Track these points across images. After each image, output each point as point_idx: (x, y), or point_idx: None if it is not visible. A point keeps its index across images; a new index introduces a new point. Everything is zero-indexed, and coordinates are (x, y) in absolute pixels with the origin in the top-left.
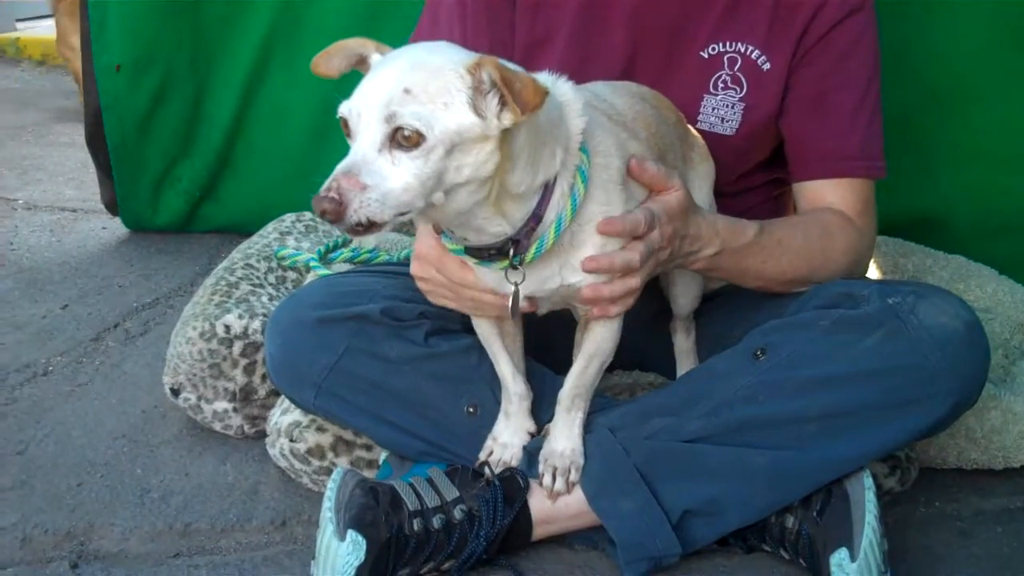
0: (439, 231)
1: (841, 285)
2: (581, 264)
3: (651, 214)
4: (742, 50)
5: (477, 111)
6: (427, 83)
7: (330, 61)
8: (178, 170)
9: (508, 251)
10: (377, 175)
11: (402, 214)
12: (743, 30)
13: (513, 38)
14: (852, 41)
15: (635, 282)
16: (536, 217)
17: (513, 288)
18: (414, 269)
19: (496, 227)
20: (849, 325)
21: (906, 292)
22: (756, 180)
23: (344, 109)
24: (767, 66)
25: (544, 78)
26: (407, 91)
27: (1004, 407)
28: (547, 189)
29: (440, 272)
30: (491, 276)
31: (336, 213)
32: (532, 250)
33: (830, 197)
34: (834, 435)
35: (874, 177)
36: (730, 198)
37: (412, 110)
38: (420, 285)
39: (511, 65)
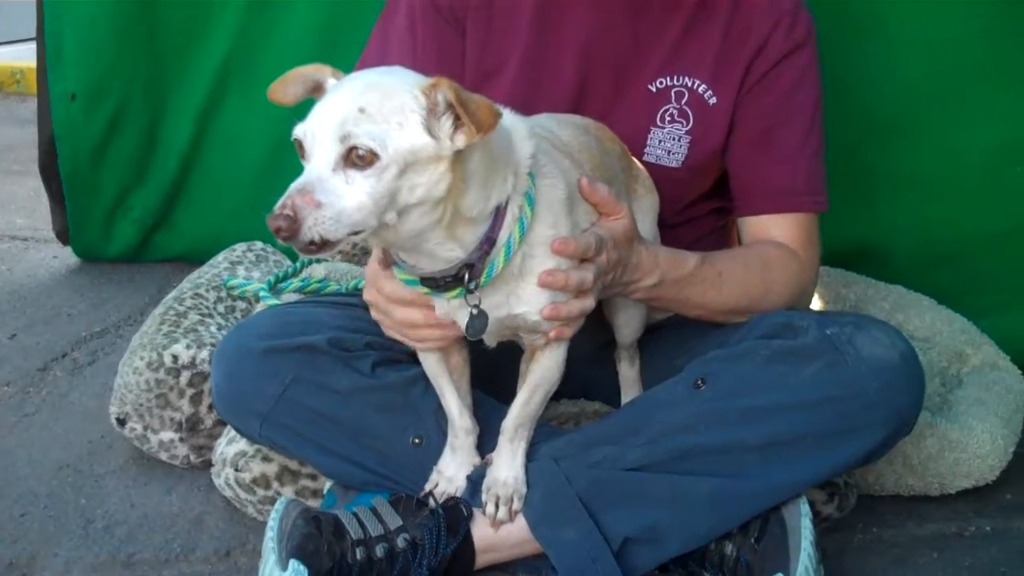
0: (391, 263)
1: (781, 316)
2: (538, 278)
3: (599, 238)
4: (689, 84)
5: (431, 132)
6: (382, 103)
7: (286, 88)
8: (131, 199)
9: (463, 276)
10: (331, 193)
11: (355, 233)
12: (690, 65)
13: (463, 69)
14: (796, 77)
15: (590, 302)
16: (489, 240)
17: (471, 313)
18: (366, 295)
19: (448, 252)
20: (788, 355)
21: (844, 323)
22: (700, 210)
23: (299, 130)
24: (713, 100)
25: None
26: (362, 111)
27: (940, 435)
28: (499, 212)
29: (376, 288)
30: (445, 306)
31: (291, 231)
32: (484, 274)
33: (774, 231)
34: (773, 463)
35: (818, 211)
36: (675, 228)
37: (366, 129)
38: (372, 313)
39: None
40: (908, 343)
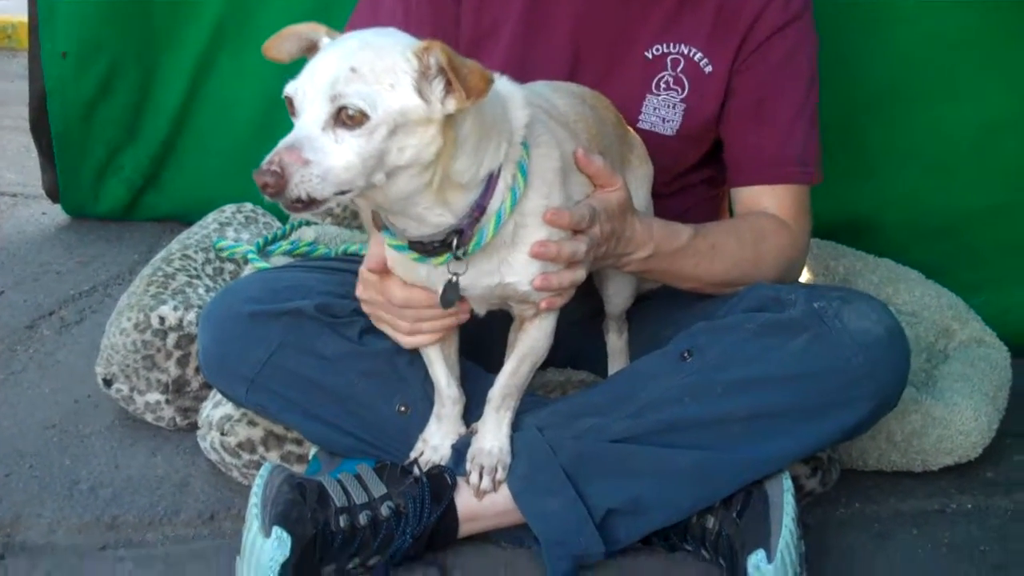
0: (381, 226)
1: (769, 289)
2: (530, 249)
3: (593, 210)
4: (685, 52)
5: (422, 94)
6: (374, 63)
7: (281, 45)
8: (121, 158)
9: (451, 243)
10: (320, 152)
11: (342, 192)
12: (686, 33)
13: (457, 33)
14: (791, 49)
15: (581, 273)
16: (480, 207)
17: (447, 282)
18: (359, 291)
19: (437, 217)
20: (775, 328)
21: (832, 297)
22: (692, 180)
23: (290, 88)
24: (709, 68)
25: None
26: (353, 70)
27: (924, 411)
28: (491, 180)
29: (382, 294)
30: (431, 273)
31: (277, 187)
32: (473, 242)
33: (767, 202)
34: (758, 436)
35: (810, 182)
36: (667, 198)
37: (356, 89)
38: (364, 308)
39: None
40: (895, 318)
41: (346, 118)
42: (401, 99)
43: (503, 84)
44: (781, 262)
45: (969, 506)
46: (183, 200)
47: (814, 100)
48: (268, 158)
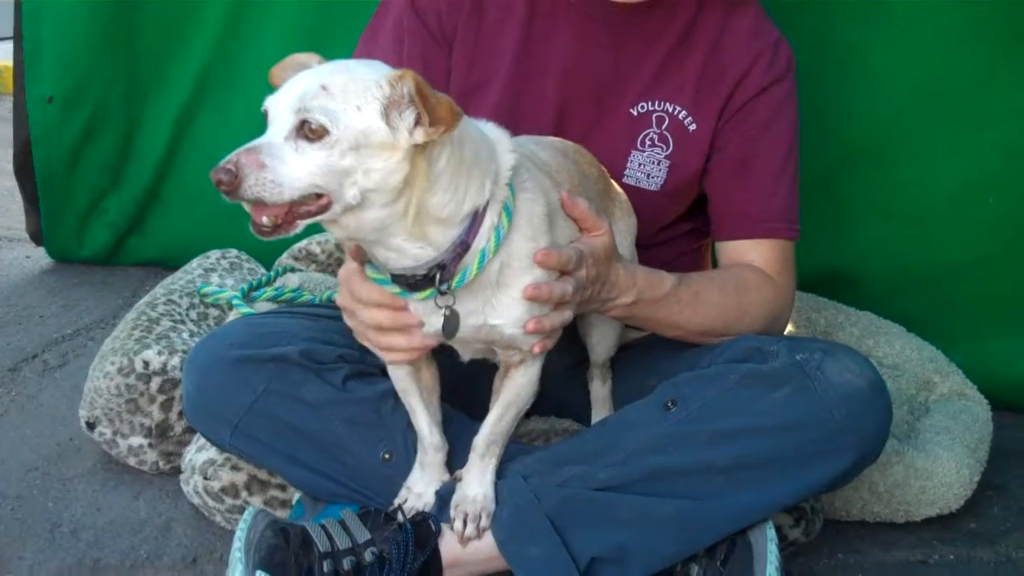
0: (364, 261)
1: (752, 340)
2: (525, 291)
3: (580, 253)
4: (670, 110)
5: (389, 120)
6: (345, 84)
7: (284, 73)
8: (106, 203)
9: (434, 277)
10: (277, 158)
11: (310, 213)
12: (672, 91)
13: (447, 84)
14: (776, 109)
15: (568, 314)
16: (464, 244)
17: (444, 315)
18: (339, 299)
19: (417, 249)
20: (758, 379)
21: (814, 349)
22: (676, 231)
23: (268, 102)
24: (693, 127)
25: (477, 121)
26: (324, 88)
27: (907, 462)
28: (476, 218)
29: (348, 290)
30: (419, 309)
31: (230, 185)
32: (456, 278)
33: (752, 256)
34: (741, 486)
35: (794, 239)
36: (650, 249)
37: (321, 104)
38: (345, 317)
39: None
40: (876, 371)
41: (308, 131)
42: (365, 120)
43: (491, 129)
44: (765, 314)
45: (952, 557)
46: (167, 245)
47: (796, 157)
48: (227, 158)
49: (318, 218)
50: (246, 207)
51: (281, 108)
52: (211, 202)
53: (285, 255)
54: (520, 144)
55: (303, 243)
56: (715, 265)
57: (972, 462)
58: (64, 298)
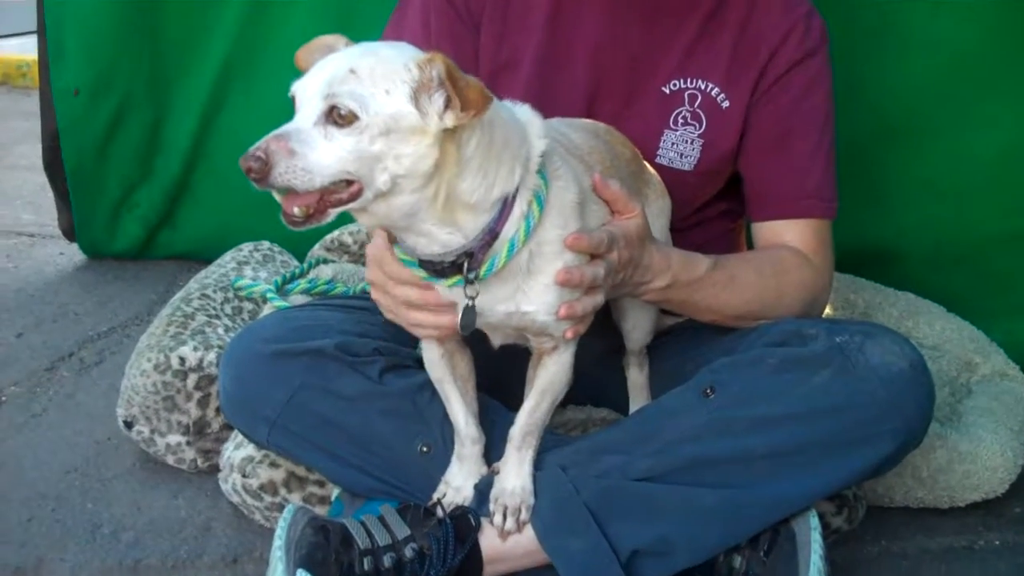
0: (393, 240)
1: (791, 323)
2: (557, 276)
3: (611, 236)
4: (702, 87)
5: (418, 104)
6: (373, 68)
7: (310, 56)
8: (136, 196)
9: (462, 264)
10: (307, 145)
11: (341, 202)
12: (704, 67)
13: (476, 65)
14: (808, 83)
15: (600, 298)
16: (492, 232)
17: (466, 305)
18: (368, 275)
19: (446, 235)
20: (797, 363)
21: (854, 331)
22: (710, 213)
23: (295, 86)
24: (726, 104)
25: (508, 103)
26: (352, 72)
27: (950, 446)
28: (506, 205)
29: (379, 266)
30: (447, 294)
31: (260, 173)
32: (485, 266)
33: (788, 236)
34: (783, 473)
35: (831, 217)
36: (686, 232)
37: (350, 88)
38: (372, 294)
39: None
40: (918, 352)
41: (337, 116)
42: (394, 104)
43: (523, 111)
44: (804, 296)
45: (997, 543)
46: (198, 237)
47: (831, 134)
48: (256, 144)
49: (349, 206)
50: (276, 197)
51: (309, 93)
52: (241, 192)
53: (317, 246)
54: (551, 127)
55: (335, 234)
56: (750, 247)
57: (1016, 444)
58: (98, 295)
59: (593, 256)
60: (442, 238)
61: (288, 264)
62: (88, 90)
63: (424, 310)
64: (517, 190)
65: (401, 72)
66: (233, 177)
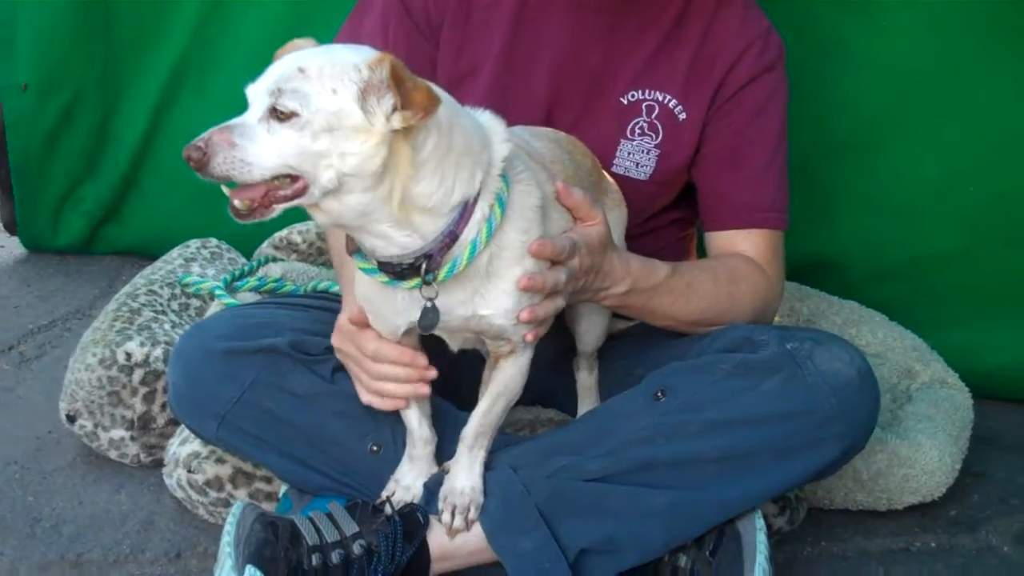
0: (354, 250)
1: (742, 329)
2: (519, 283)
3: (573, 243)
4: (660, 99)
5: (365, 105)
6: (323, 68)
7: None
8: (81, 191)
9: (420, 267)
10: (248, 138)
11: (287, 197)
12: (662, 79)
13: (434, 73)
14: (765, 97)
15: (561, 303)
16: (452, 235)
17: (424, 307)
18: (334, 340)
19: (404, 237)
20: (748, 369)
21: (804, 338)
22: (662, 221)
23: (249, 87)
24: (683, 116)
25: (470, 109)
26: (301, 70)
27: (890, 451)
28: (466, 208)
29: (355, 344)
30: (407, 304)
31: (199, 162)
32: (445, 269)
33: (741, 245)
34: (731, 476)
35: (783, 228)
36: (638, 239)
37: (295, 86)
38: (339, 356)
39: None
40: (866, 360)
41: (280, 112)
42: (338, 103)
43: (485, 117)
44: (756, 304)
45: (933, 545)
46: (143, 233)
47: (785, 147)
48: (201, 135)
49: (297, 202)
50: (224, 190)
51: (259, 90)
52: (189, 189)
53: (266, 244)
54: (514, 134)
55: (284, 232)
56: (701, 255)
57: (954, 450)
58: (39, 288)
59: (554, 262)
60: (399, 240)
61: (236, 262)
62: (37, 85)
63: (398, 383)
64: (479, 194)
65: (350, 72)
66: (181, 174)
